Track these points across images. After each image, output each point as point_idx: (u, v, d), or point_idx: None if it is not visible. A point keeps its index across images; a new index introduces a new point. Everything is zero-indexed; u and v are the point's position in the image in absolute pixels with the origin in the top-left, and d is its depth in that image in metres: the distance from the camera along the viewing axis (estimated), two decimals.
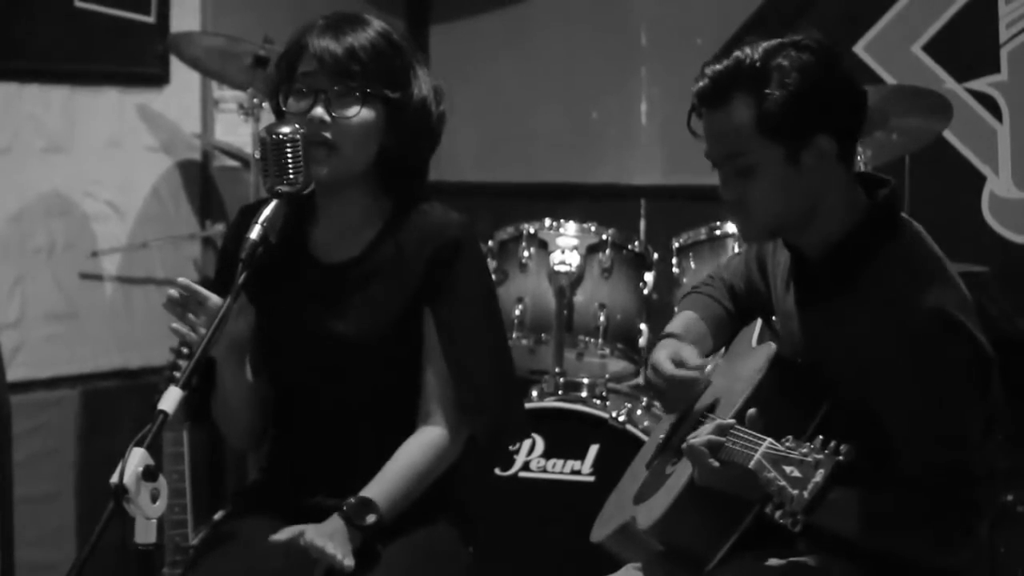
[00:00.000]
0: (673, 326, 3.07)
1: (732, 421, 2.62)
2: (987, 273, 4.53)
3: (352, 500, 2.89)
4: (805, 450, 2.46)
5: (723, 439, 2.61)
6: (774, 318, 3.04)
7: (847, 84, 2.77)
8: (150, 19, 5.06)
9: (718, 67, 2.75)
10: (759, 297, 3.08)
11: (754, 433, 2.58)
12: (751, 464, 2.51)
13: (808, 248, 2.81)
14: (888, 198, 2.80)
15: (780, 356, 2.82)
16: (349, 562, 2.82)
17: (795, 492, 2.42)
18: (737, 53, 2.74)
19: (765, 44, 2.74)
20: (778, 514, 2.45)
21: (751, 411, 2.62)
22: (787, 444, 2.50)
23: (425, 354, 3.00)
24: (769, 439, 2.52)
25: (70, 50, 4.88)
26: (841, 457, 2.42)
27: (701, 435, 2.64)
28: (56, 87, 4.85)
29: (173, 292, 2.89)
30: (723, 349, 3.13)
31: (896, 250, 2.75)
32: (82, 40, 4.89)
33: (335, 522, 2.86)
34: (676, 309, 3.18)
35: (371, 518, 2.88)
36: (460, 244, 3.00)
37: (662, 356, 2.96)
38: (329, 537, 2.83)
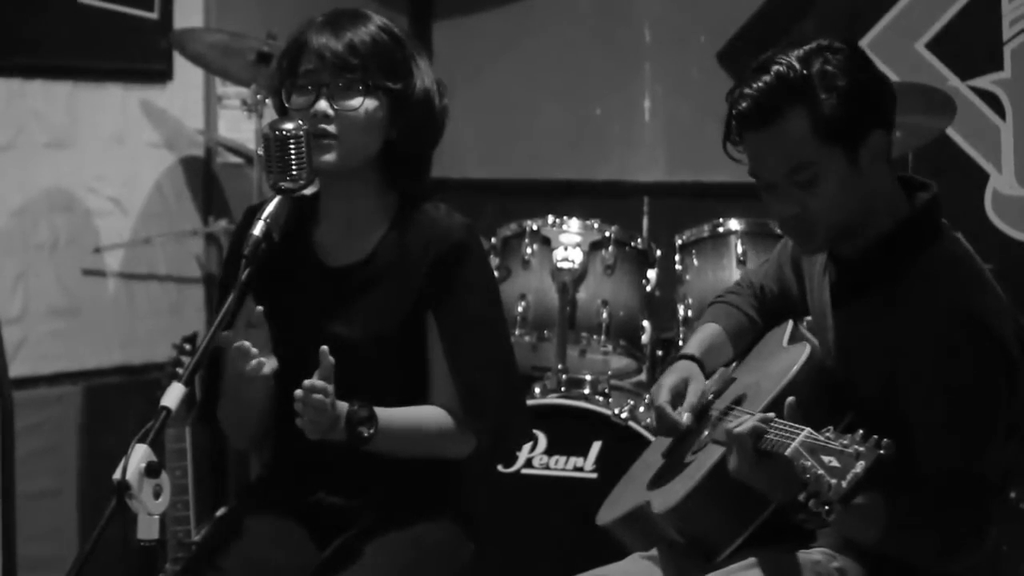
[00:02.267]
0: (693, 345, 3.07)
1: (772, 414, 2.62)
2: (990, 271, 4.53)
3: (362, 407, 2.87)
4: (846, 441, 2.46)
5: (765, 427, 2.60)
6: (808, 318, 3.05)
7: (883, 77, 2.79)
8: (153, 15, 5.06)
9: (760, 85, 2.72)
10: (791, 298, 3.08)
11: (792, 423, 2.58)
12: (788, 451, 2.50)
13: (847, 248, 2.81)
14: (932, 202, 2.81)
15: (814, 357, 2.83)
16: (308, 428, 2.82)
17: (833, 481, 2.42)
18: (776, 68, 2.71)
19: (797, 52, 2.72)
20: (812, 503, 2.44)
21: (790, 399, 2.62)
22: (827, 434, 2.50)
23: (429, 358, 3.00)
24: (808, 428, 2.52)
25: (73, 46, 4.88)
26: (882, 451, 2.42)
27: (745, 424, 2.63)
28: (59, 83, 4.85)
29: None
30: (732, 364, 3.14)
31: (938, 254, 2.77)
32: (85, 36, 4.89)
33: (341, 408, 2.85)
34: (703, 317, 3.18)
35: (364, 431, 2.87)
36: (464, 247, 3.00)
37: (667, 383, 2.97)
38: (332, 409, 2.82)
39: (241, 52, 4.80)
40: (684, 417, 2.93)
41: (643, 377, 4.71)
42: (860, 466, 2.42)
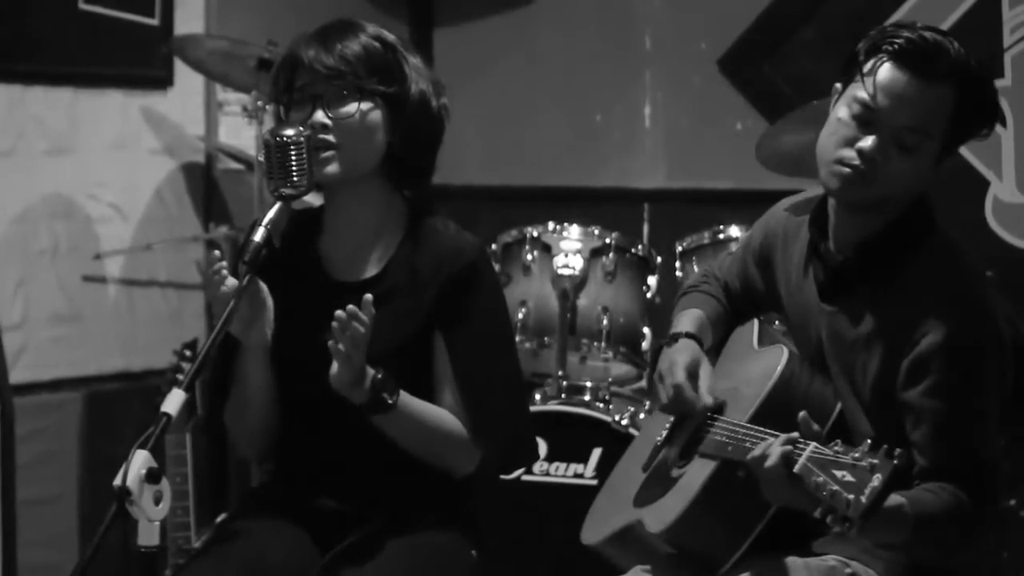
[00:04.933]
0: (687, 324, 3.04)
1: (796, 434, 2.57)
2: (990, 278, 4.53)
3: (389, 377, 2.87)
4: (857, 454, 2.43)
5: (790, 448, 2.55)
6: (768, 315, 3.04)
7: None
8: (154, 21, 5.06)
9: (939, 42, 2.73)
10: (755, 296, 3.08)
11: (806, 441, 2.56)
12: (796, 468, 2.48)
13: (847, 236, 2.81)
14: (925, 196, 2.84)
15: (792, 360, 2.83)
16: (339, 360, 2.81)
17: (851, 497, 2.40)
18: (956, 44, 2.74)
19: (960, 46, 2.75)
20: (829, 519, 2.43)
21: (802, 414, 2.59)
22: (836, 448, 2.47)
23: (437, 378, 3.00)
24: (813, 443, 2.51)
25: (74, 52, 4.88)
26: (896, 461, 2.41)
27: (773, 455, 2.56)
28: (60, 89, 4.85)
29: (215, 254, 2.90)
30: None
31: (936, 247, 2.79)
32: (86, 42, 4.89)
33: (369, 369, 2.85)
34: (677, 306, 3.16)
35: (388, 398, 2.87)
36: (475, 268, 3.01)
37: (681, 361, 2.94)
38: (364, 348, 2.81)
39: (242, 59, 4.80)
40: (706, 399, 2.89)
41: (643, 384, 4.71)
42: (877, 479, 2.39)
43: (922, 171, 2.74)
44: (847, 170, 2.73)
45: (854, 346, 2.80)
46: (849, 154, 2.72)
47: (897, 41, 2.71)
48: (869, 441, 2.46)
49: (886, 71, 2.71)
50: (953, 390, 2.69)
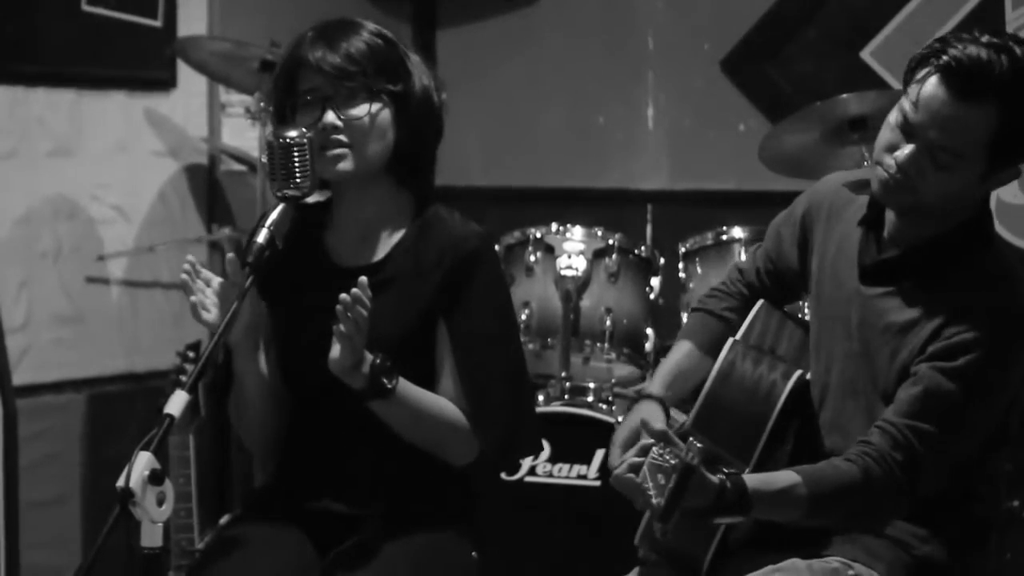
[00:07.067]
0: (657, 381, 3.06)
1: (650, 442, 2.56)
2: None
3: (387, 360, 2.86)
4: (669, 455, 2.44)
5: (642, 460, 2.55)
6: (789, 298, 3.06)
7: None
8: (157, 23, 5.06)
9: (988, 59, 2.68)
10: (788, 275, 3.07)
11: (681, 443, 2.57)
12: (638, 476, 2.49)
13: (901, 233, 2.82)
14: (987, 207, 2.84)
15: (732, 351, 2.83)
16: (341, 342, 2.80)
17: (656, 501, 2.41)
18: (1005, 56, 2.68)
19: (1017, 54, 2.69)
20: (655, 526, 2.45)
21: (642, 419, 2.61)
22: (660, 451, 2.48)
23: (438, 366, 3.00)
24: (655, 447, 2.50)
25: (77, 53, 4.88)
26: (694, 460, 2.42)
27: (623, 467, 2.60)
28: (63, 90, 4.86)
29: (185, 266, 2.92)
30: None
31: (996, 257, 2.80)
32: (89, 43, 4.89)
33: (368, 357, 2.84)
34: (682, 328, 3.18)
35: (387, 382, 2.86)
36: (479, 256, 3.00)
37: (619, 440, 2.95)
38: (360, 355, 2.81)
39: (244, 60, 4.81)
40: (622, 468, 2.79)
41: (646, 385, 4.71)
42: (673, 479, 2.41)
43: (958, 188, 2.73)
44: (885, 175, 2.75)
45: (886, 332, 2.80)
46: (888, 160, 2.75)
47: (944, 56, 2.70)
48: (691, 439, 2.48)
49: (928, 86, 2.71)
50: (963, 380, 2.70)
